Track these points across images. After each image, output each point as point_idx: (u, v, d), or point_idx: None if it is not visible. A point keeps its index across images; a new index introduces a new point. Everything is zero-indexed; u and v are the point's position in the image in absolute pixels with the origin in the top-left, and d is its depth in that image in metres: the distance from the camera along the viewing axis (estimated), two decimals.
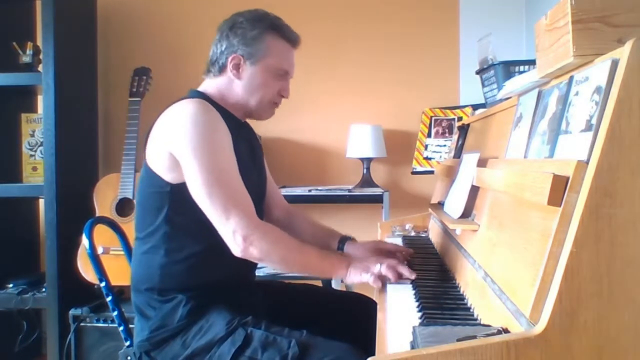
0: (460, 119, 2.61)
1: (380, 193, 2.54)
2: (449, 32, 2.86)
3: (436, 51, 2.87)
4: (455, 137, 2.03)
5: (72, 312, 2.41)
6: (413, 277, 1.30)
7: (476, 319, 1.00)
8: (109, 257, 2.24)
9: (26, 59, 2.60)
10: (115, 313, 1.58)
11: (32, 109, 2.87)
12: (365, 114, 2.87)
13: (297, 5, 2.86)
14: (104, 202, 2.53)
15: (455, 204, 1.40)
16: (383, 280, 1.31)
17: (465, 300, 1.13)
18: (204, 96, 1.45)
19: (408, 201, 2.85)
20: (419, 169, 2.70)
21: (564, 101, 0.89)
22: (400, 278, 1.31)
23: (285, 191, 2.57)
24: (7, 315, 2.62)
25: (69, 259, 2.43)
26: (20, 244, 2.79)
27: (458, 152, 1.81)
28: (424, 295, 1.18)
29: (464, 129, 1.86)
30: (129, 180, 2.51)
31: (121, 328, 1.58)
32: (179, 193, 1.34)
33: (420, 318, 1.04)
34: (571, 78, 0.88)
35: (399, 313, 1.11)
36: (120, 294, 1.92)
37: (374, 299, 1.46)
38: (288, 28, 1.49)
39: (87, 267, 2.39)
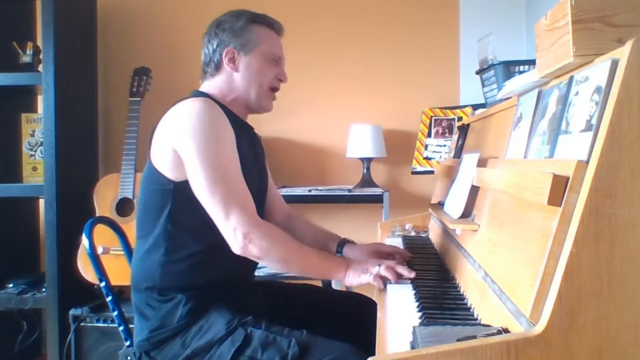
0: (460, 119, 2.61)
1: (380, 193, 2.54)
2: (449, 32, 2.86)
3: (436, 51, 2.87)
4: (455, 137, 2.03)
5: (72, 312, 2.41)
6: (412, 275, 1.30)
7: (476, 319, 1.00)
8: (109, 257, 2.25)
9: (26, 59, 2.60)
10: (115, 313, 1.58)
11: (32, 109, 2.87)
12: (365, 114, 2.87)
13: (297, 5, 2.86)
14: (104, 202, 2.53)
15: (455, 204, 1.40)
16: (383, 280, 1.31)
17: (465, 300, 1.13)
18: (208, 97, 1.46)
19: (408, 201, 2.85)
20: (419, 169, 2.70)
21: (564, 101, 0.89)
22: (399, 278, 1.31)
23: (285, 191, 2.57)
24: (7, 315, 2.61)
25: (69, 259, 2.43)
26: (20, 244, 2.79)
27: (458, 152, 1.81)
28: (424, 295, 1.18)
29: (464, 129, 1.86)
30: (129, 180, 2.51)
31: (121, 328, 1.58)
32: (181, 191, 1.35)
33: (420, 318, 1.04)
34: (571, 78, 0.88)
35: (399, 313, 1.11)
36: (120, 294, 1.92)
37: (374, 299, 1.46)
38: (270, 17, 1.54)
39: (87, 267, 2.39)
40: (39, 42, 2.59)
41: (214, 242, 1.31)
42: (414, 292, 1.24)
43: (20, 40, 2.62)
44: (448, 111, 2.73)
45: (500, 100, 1.43)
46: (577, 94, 0.85)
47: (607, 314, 0.70)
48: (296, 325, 1.31)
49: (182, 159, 1.33)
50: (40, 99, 2.77)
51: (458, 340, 0.76)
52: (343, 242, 1.64)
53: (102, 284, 1.57)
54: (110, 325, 2.36)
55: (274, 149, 2.84)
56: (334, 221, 2.84)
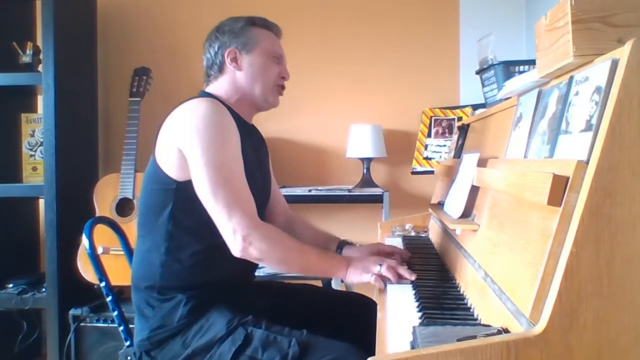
0: (460, 119, 2.61)
1: (380, 193, 2.54)
2: (449, 32, 2.86)
3: (436, 51, 2.87)
4: (455, 137, 2.03)
5: (72, 312, 2.41)
6: (413, 278, 1.30)
7: (476, 319, 1.00)
8: (109, 257, 2.24)
9: (26, 59, 2.60)
10: (115, 313, 1.58)
11: (32, 109, 2.87)
12: (365, 114, 2.87)
13: (297, 6, 2.86)
14: (104, 202, 2.53)
15: (455, 204, 1.40)
16: (384, 281, 1.31)
17: (465, 300, 1.13)
18: (213, 97, 1.46)
19: (408, 201, 2.85)
20: (419, 169, 2.70)
21: (564, 101, 0.89)
22: (400, 279, 1.31)
23: (285, 191, 2.57)
24: (7, 315, 2.62)
25: (69, 259, 2.43)
26: (20, 244, 2.79)
27: (458, 152, 1.81)
28: (424, 295, 1.18)
29: (464, 129, 1.86)
30: (129, 180, 2.51)
31: (121, 328, 1.58)
32: (184, 191, 1.35)
33: (420, 318, 1.04)
34: (571, 78, 0.88)
35: (399, 313, 1.11)
36: (120, 294, 1.92)
37: (374, 299, 1.46)
38: (268, 20, 1.55)
39: (87, 267, 2.39)
40: (39, 42, 2.59)
41: (214, 243, 1.31)
42: (414, 292, 1.24)
43: (20, 40, 2.62)
44: (448, 111, 2.73)
45: (500, 100, 1.43)
46: (577, 94, 0.85)
47: (607, 314, 0.70)
48: (296, 325, 1.31)
49: (187, 159, 1.33)
50: (40, 99, 2.77)
51: (458, 340, 0.76)
52: (342, 244, 1.65)
53: (102, 284, 1.57)
54: (110, 325, 2.36)
55: (274, 149, 2.82)
56: (334, 221, 2.84)
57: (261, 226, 1.32)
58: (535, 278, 0.75)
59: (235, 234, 1.27)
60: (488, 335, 0.77)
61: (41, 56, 2.52)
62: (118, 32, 3.00)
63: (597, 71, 0.79)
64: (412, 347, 0.85)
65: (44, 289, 2.51)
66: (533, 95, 1.06)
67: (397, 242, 1.87)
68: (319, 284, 2.16)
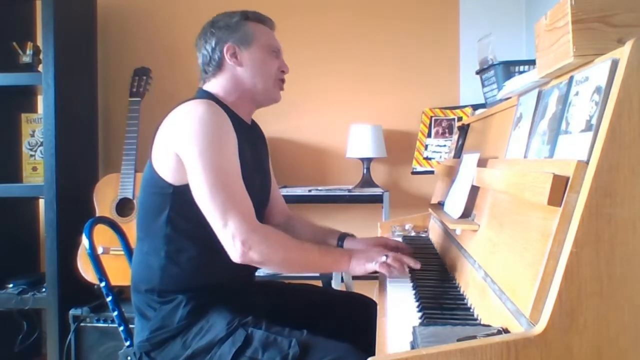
0: (460, 119, 2.61)
1: (380, 193, 2.54)
2: (449, 32, 2.86)
3: (436, 51, 2.87)
4: (455, 137, 2.04)
5: (72, 312, 2.41)
6: (418, 266, 1.30)
7: (476, 319, 1.00)
8: (109, 257, 2.24)
9: (26, 59, 2.60)
10: (115, 313, 1.57)
11: (32, 109, 2.87)
12: (365, 114, 2.88)
13: (298, 5, 2.86)
14: (104, 202, 2.53)
15: (455, 204, 1.40)
16: (388, 270, 1.31)
17: (465, 300, 1.13)
18: (212, 97, 1.44)
19: (408, 201, 2.85)
20: (419, 169, 2.70)
21: (564, 101, 0.89)
22: (403, 270, 1.30)
23: (285, 191, 2.57)
24: (7, 315, 2.61)
25: (69, 259, 2.43)
26: (20, 244, 2.79)
27: (458, 152, 1.81)
28: (424, 295, 1.18)
29: (464, 129, 1.86)
30: (129, 180, 2.51)
31: (121, 328, 1.58)
32: (181, 195, 1.33)
33: (420, 318, 1.04)
34: (571, 78, 0.88)
35: (399, 313, 1.11)
36: (120, 294, 1.92)
37: (374, 299, 1.46)
38: (261, 14, 1.54)
39: (87, 267, 2.39)
40: (39, 42, 2.59)
41: (213, 246, 1.29)
42: (414, 292, 1.24)
43: (20, 40, 2.62)
44: (448, 111, 2.73)
45: (500, 100, 1.43)
46: (577, 94, 0.85)
47: (607, 314, 0.70)
48: (296, 325, 1.30)
49: (184, 164, 1.32)
50: (40, 99, 2.77)
51: (458, 340, 0.76)
52: (343, 236, 1.64)
53: (102, 284, 1.57)
54: (110, 325, 2.36)
55: (274, 149, 2.82)
56: (334, 221, 2.83)
57: (260, 229, 1.30)
58: (535, 278, 0.75)
59: (234, 239, 1.25)
60: (488, 335, 0.77)
61: (41, 56, 2.52)
62: (118, 32, 3.01)
63: (597, 71, 0.79)
64: (412, 347, 0.85)
65: (44, 289, 2.51)
66: (533, 95, 1.06)
67: None
68: (319, 284, 2.16)
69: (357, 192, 2.59)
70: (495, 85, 1.78)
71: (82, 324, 2.41)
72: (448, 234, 1.52)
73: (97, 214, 2.47)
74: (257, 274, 1.62)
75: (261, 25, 1.51)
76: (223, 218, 1.26)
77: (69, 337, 2.40)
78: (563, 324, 0.70)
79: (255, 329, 1.28)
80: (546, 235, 0.76)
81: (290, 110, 2.79)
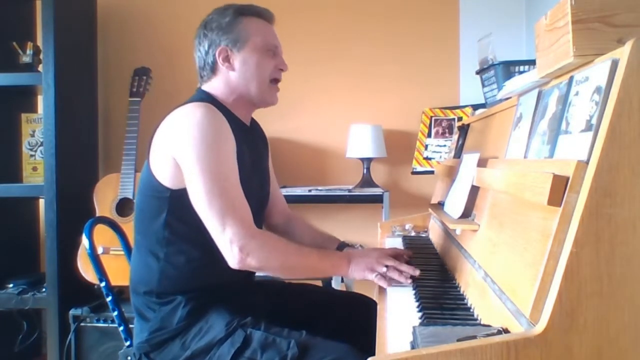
0: (460, 119, 2.61)
1: (380, 193, 2.54)
2: (449, 32, 2.86)
3: (436, 51, 2.87)
4: (455, 137, 2.04)
5: (72, 312, 2.41)
6: (416, 273, 1.30)
7: (476, 319, 1.00)
8: (109, 257, 2.24)
9: (26, 59, 2.60)
10: (115, 313, 1.58)
11: (32, 109, 2.87)
12: (365, 114, 2.88)
13: (297, 5, 2.86)
14: (104, 202, 2.53)
15: (455, 204, 1.40)
16: (388, 280, 1.31)
17: (465, 300, 1.13)
18: (210, 98, 1.43)
19: (408, 201, 2.85)
20: (419, 169, 2.70)
21: (564, 101, 0.89)
22: (403, 276, 1.30)
23: (285, 191, 2.57)
24: (7, 315, 2.61)
25: (69, 259, 2.43)
26: (20, 244, 2.79)
27: (458, 152, 1.81)
28: (424, 295, 1.18)
29: (464, 129, 1.86)
30: (129, 180, 2.51)
31: (121, 328, 1.58)
32: (178, 199, 1.33)
33: (420, 318, 1.04)
34: (571, 78, 0.88)
35: (399, 313, 1.11)
36: (120, 294, 1.92)
37: (374, 299, 1.46)
38: (257, 6, 1.49)
39: (87, 267, 2.39)
40: (39, 42, 2.59)
41: (212, 248, 1.28)
42: (414, 292, 1.24)
43: (20, 40, 2.62)
44: (448, 111, 2.73)
45: (500, 100, 1.43)
46: (577, 94, 0.85)
47: (607, 314, 0.70)
48: (296, 325, 1.30)
49: (181, 168, 1.31)
50: (40, 99, 2.77)
51: (458, 340, 0.76)
52: (342, 246, 1.63)
53: (102, 284, 1.57)
54: (110, 325, 2.36)
55: (274, 149, 2.82)
56: (334, 221, 2.85)
57: (257, 235, 1.29)
58: (535, 278, 0.75)
59: (232, 245, 1.24)
60: (488, 335, 0.77)
61: (41, 56, 2.52)
62: (118, 32, 3.01)
63: (597, 71, 0.79)
64: (412, 347, 0.85)
65: (44, 289, 2.51)
66: (533, 95, 1.06)
67: (397, 242, 1.87)
68: (319, 284, 2.16)
69: (357, 192, 2.59)
70: (495, 85, 1.78)
71: (82, 324, 2.41)
72: (448, 234, 1.52)
73: (97, 214, 2.47)
74: (257, 273, 1.62)
75: (257, 20, 1.46)
76: (221, 224, 1.25)
77: (69, 337, 2.40)
78: (563, 324, 0.70)
79: (254, 330, 1.27)
80: (546, 235, 0.76)
81: (290, 110, 2.79)
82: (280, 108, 1.56)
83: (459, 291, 1.21)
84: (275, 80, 1.49)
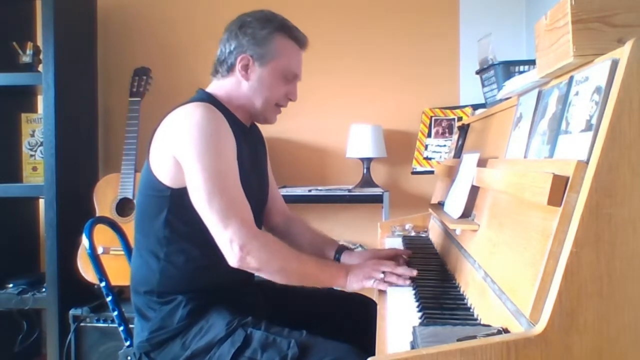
0: (460, 119, 2.61)
1: (380, 193, 2.54)
2: (449, 32, 2.86)
3: (436, 51, 2.87)
4: (455, 137, 2.04)
5: (72, 312, 2.41)
6: (414, 274, 1.30)
7: (476, 319, 1.00)
8: (109, 257, 2.25)
9: (26, 59, 2.60)
10: (115, 313, 1.58)
11: (32, 109, 2.87)
12: (365, 114, 2.88)
13: (297, 5, 2.86)
14: (104, 202, 2.53)
15: (455, 204, 1.40)
16: (388, 286, 1.31)
17: (465, 300, 1.13)
18: (211, 98, 1.43)
19: (408, 201, 2.85)
20: (419, 169, 2.70)
21: (564, 101, 0.89)
22: (402, 279, 1.30)
23: (285, 191, 2.57)
24: (7, 315, 2.62)
25: (69, 259, 2.43)
26: (20, 244, 2.79)
27: (458, 152, 1.81)
28: (424, 295, 1.18)
29: (464, 129, 1.86)
30: (129, 180, 2.51)
31: (121, 328, 1.58)
32: (178, 198, 1.33)
33: (420, 318, 1.04)
34: (571, 78, 0.88)
35: (399, 313, 1.11)
36: (120, 294, 1.92)
37: (374, 299, 1.46)
38: (297, 29, 1.48)
39: (87, 267, 2.39)
40: (39, 42, 2.59)
41: (212, 247, 1.29)
42: (414, 292, 1.24)
43: (20, 40, 2.62)
44: (448, 111, 2.73)
45: (500, 100, 1.43)
46: (577, 94, 0.85)
47: (607, 314, 0.70)
48: (296, 325, 1.30)
49: (182, 168, 1.31)
50: (40, 99, 2.78)
51: (458, 340, 0.76)
52: (341, 249, 1.63)
53: (102, 284, 1.57)
54: (110, 325, 2.36)
55: (274, 149, 2.83)
56: (334, 221, 2.85)
57: (259, 235, 1.30)
58: (535, 278, 0.75)
59: (232, 244, 1.25)
60: (488, 335, 0.77)
61: (41, 56, 2.52)
62: (118, 32, 3.01)
63: (597, 71, 0.79)
64: (412, 347, 0.85)
65: (44, 289, 2.51)
66: (533, 95, 1.06)
67: (397, 242, 1.87)
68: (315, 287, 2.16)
69: (357, 192, 2.59)
70: (495, 85, 1.78)
71: (82, 324, 2.41)
72: (448, 234, 1.52)
73: (97, 214, 2.47)
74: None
75: (291, 44, 1.46)
76: (222, 223, 1.26)
77: (69, 337, 2.40)
78: (563, 324, 0.70)
79: (254, 330, 1.28)
80: (546, 235, 0.76)
81: (290, 110, 2.78)
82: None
83: (459, 291, 1.21)
84: (280, 106, 1.50)
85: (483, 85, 1.92)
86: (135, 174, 2.51)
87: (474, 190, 1.29)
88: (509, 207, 0.99)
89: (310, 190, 2.62)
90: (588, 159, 0.73)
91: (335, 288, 1.46)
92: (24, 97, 2.83)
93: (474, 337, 0.76)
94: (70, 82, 2.58)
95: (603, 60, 0.78)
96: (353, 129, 2.72)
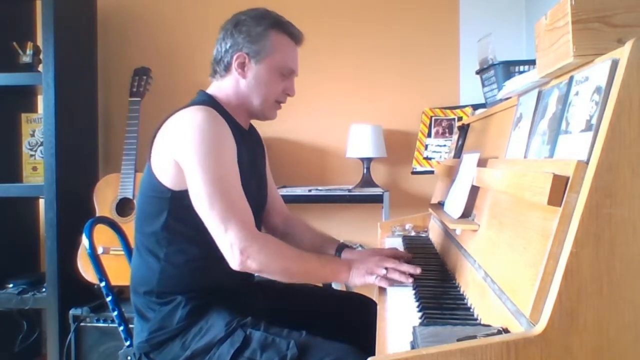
0: (460, 119, 2.61)
1: (380, 193, 2.54)
2: (449, 32, 2.86)
3: (436, 51, 2.87)
4: (455, 137, 2.03)
5: (72, 312, 2.41)
6: (418, 271, 1.30)
7: (476, 319, 1.00)
8: (109, 257, 2.25)
9: (26, 59, 2.60)
10: (115, 313, 1.58)
11: (32, 109, 2.87)
12: (365, 114, 2.88)
13: (297, 5, 2.86)
14: (104, 202, 2.53)
15: (455, 204, 1.40)
16: (389, 281, 1.31)
17: (465, 300, 1.13)
18: (212, 101, 1.44)
19: (408, 201, 2.85)
20: (419, 169, 2.70)
21: (564, 101, 0.89)
22: (404, 276, 1.30)
23: (285, 191, 2.58)
24: (7, 315, 2.62)
25: (69, 259, 2.43)
26: (20, 244, 2.79)
27: (458, 152, 1.81)
28: (424, 295, 1.18)
29: (464, 129, 1.86)
30: (129, 180, 2.51)
31: (121, 328, 1.58)
32: (179, 200, 1.33)
33: (420, 318, 1.04)
34: (571, 78, 0.88)
35: (399, 313, 1.11)
36: (120, 294, 1.92)
37: (374, 299, 1.46)
38: (291, 25, 1.49)
39: (87, 267, 2.39)
40: (39, 42, 2.59)
41: (212, 248, 1.29)
42: (414, 292, 1.24)
43: (20, 40, 2.62)
44: (448, 111, 2.73)
45: (500, 100, 1.43)
46: (577, 94, 0.85)
47: (607, 314, 0.70)
48: (296, 325, 1.30)
49: (183, 170, 1.32)
50: (40, 99, 2.78)
51: (458, 340, 0.76)
52: (342, 247, 1.63)
53: (102, 284, 1.57)
54: (110, 325, 2.36)
55: (274, 149, 2.84)
56: (334, 221, 2.85)
57: (259, 237, 1.30)
58: (535, 278, 0.75)
59: (233, 247, 1.25)
60: (488, 335, 0.77)
61: (41, 56, 2.52)
62: (118, 32, 3.01)
63: (597, 71, 0.79)
64: (412, 347, 0.85)
65: (44, 289, 2.51)
66: (533, 95, 1.06)
67: (397, 242, 1.87)
68: (319, 284, 2.16)
69: (357, 192, 2.59)
70: (495, 85, 1.78)
71: (82, 324, 2.41)
72: (448, 234, 1.52)
73: (97, 214, 2.47)
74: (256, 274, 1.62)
75: (286, 39, 1.47)
76: (223, 226, 1.26)
77: (69, 337, 2.40)
78: (563, 324, 0.70)
79: (254, 330, 1.28)
80: (546, 235, 0.76)
81: (291, 110, 2.78)
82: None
83: (459, 291, 1.21)
84: (279, 103, 1.51)
85: (483, 85, 1.92)
86: (135, 174, 2.51)
87: (474, 190, 1.29)
88: (509, 207, 0.99)
89: (310, 190, 2.62)
90: (588, 159, 0.73)
91: (335, 288, 1.46)
92: (24, 97, 2.83)
93: (474, 337, 0.76)
94: (70, 82, 2.58)
95: (603, 60, 0.78)
96: (353, 129, 2.72)
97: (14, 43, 2.60)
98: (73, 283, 2.43)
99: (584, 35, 0.81)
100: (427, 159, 2.69)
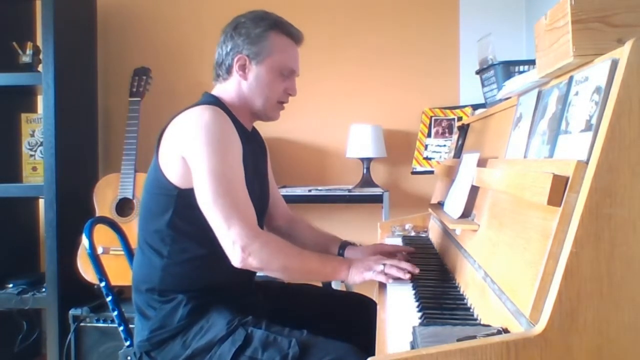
0: (460, 119, 2.61)
1: (380, 193, 2.54)
2: (449, 32, 2.86)
3: (436, 51, 2.87)
4: (455, 137, 2.04)
5: (72, 312, 2.42)
6: (416, 271, 1.30)
7: (476, 319, 1.00)
8: (109, 257, 2.25)
9: (26, 59, 2.60)
10: (115, 313, 1.58)
11: (32, 109, 2.87)
12: (365, 114, 2.88)
13: (297, 5, 2.86)
14: (104, 202, 2.53)
15: (455, 204, 1.40)
16: (388, 277, 1.31)
17: (465, 300, 1.13)
18: (218, 101, 1.45)
19: (408, 201, 2.85)
20: (419, 169, 2.70)
21: (563, 101, 0.89)
22: (402, 276, 1.31)
23: (285, 191, 2.57)
24: (7, 315, 2.62)
25: (69, 259, 2.43)
26: (20, 244, 2.79)
27: (458, 152, 1.81)
28: (424, 295, 1.18)
29: (463, 129, 1.86)
30: (129, 180, 2.51)
31: (121, 328, 1.58)
32: (185, 198, 1.34)
33: (420, 318, 1.04)
34: (571, 78, 0.88)
35: (399, 313, 1.11)
36: (120, 294, 1.92)
37: (374, 299, 1.46)
38: (290, 25, 1.50)
39: (87, 267, 2.39)
40: (39, 42, 2.59)
41: (215, 247, 1.30)
42: (414, 292, 1.24)
43: (20, 40, 2.62)
44: (448, 111, 2.73)
45: (500, 100, 1.43)
46: (577, 94, 0.85)
47: (607, 314, 0.70)
48: (296, 325, 1.31)
49: (190, 168, 1.33)
50: (40, 99, 2.77)
51: (458, 340, 0.76)
52: (344, 245, 1.64)
53: (102, 284, 1.57)
54: (110, 325, 2.37)
55: (274, 149, 2.83)
56: (334, 221, 2.85)
57: (261, 235, 1.31)
58: (535, 278, 0.75)
59: (235, 244, 1.26)
60: (488, 335, 0.77)
61: (41, 56, 2.52)
62: (118, 32, 3.01)
63: (597, 71, 0.79)
64: (412, 347, 0.85)
65: (44, 289, 2.51)
66: (533, 95, 1.06)
67: (397, 242, 1.87)
68: (319, 284, 2.16)
69: (357, 192, 2.59)
70: (495, 85, 1.78)
71: (82, 324, 2.42)
72: (448, 234, 1.52)
73: (97, 214, 2.47)
74: (257, 274, 1.63)
75: (285, 40, 1.47)
76: (225, 223, 1.27)
77: (69, 337, 2.40)
78: (563, 324, 0.70)
79: (255, 329, 1.28)
80: (546, 235, 0.76)
81: (291, 110, 2.78)
82: None
83: (459, 291, 1.21)
84: (282, 103, 1.51)
85: (483, 85, 1.92)
86: (135, 174, 2.51)
87: (474, 190, 1.29)
88: (509, 207, 0.99)
89: (310, 190, 2.62)
90: (588, 159, 0.73)
91: (335, 288, 1.47)
92: (24, 97, 2.83)
93: (474, 337, 0.76)
94: (70, 82, 2.58)
95: (603, 60, 0.78)
96: (353, 129, 2.72)
97: (14, 43, 2.60)
98: (73, 283, 2.43)
99: (584, 35, 0.81)
100: (427, 159, 2.69)
